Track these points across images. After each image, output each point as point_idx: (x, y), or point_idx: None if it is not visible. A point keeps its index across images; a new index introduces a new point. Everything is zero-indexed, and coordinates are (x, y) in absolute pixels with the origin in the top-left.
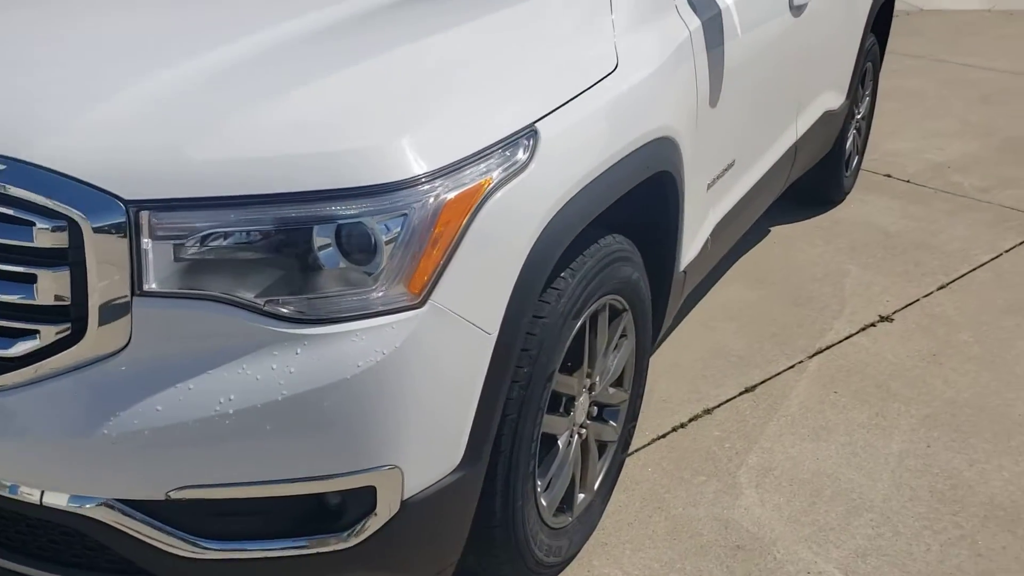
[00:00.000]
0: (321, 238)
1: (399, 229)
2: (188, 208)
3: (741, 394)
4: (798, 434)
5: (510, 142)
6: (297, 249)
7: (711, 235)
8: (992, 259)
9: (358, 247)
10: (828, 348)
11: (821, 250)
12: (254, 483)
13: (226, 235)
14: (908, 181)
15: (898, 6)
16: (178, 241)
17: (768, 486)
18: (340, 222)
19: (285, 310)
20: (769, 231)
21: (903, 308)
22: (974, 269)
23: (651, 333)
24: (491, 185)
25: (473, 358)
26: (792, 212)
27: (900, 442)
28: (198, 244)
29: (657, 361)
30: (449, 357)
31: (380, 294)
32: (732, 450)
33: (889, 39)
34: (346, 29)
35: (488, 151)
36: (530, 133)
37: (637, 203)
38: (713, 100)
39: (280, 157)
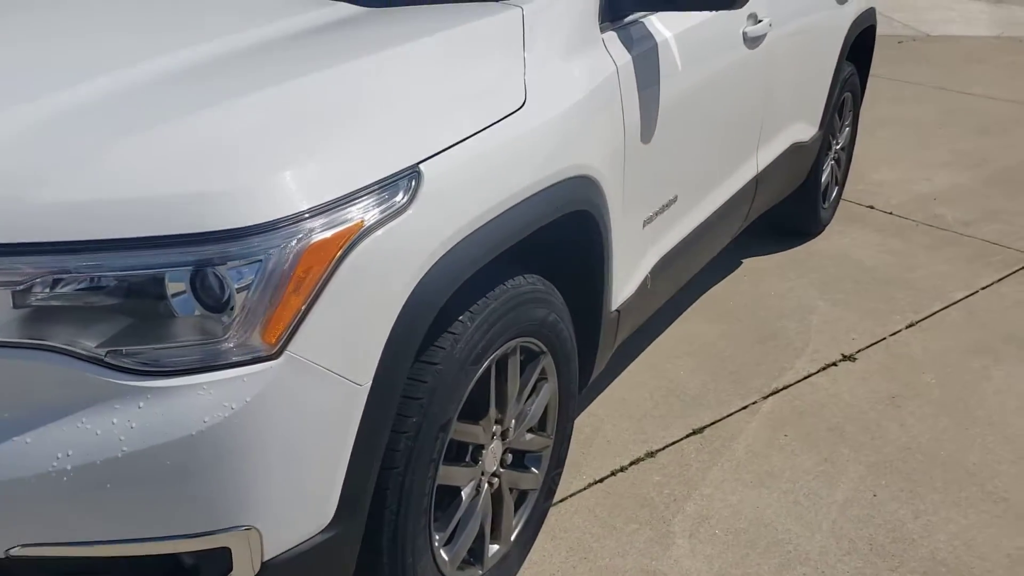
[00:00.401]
0: (174, 284)
1: (253, 276)
2: (29, 253)
3: (688, 436)
4: (741, 480)
5: (387, 184)
6: (145, 296)
7: (651, 273)
8: (966, 296)
9: (211, 295)
10: (785, 388)
11: (791, 284)
12: (99, 542)
13: (70, 282)
14: (891, 213)
15: (903, 32)
16: (18, 288)
17: (702, 535)
18: (191, 268)
19: (128, 361)
20: (741, 263)
21: (868, 347)
22: (947, 307)
23: (577, 376)
24: (362, 229)
25: (341, 411)
26: (766, 244)
27: (845, 490)
28: (40, 291)
29: (606, 399)
30: (312, 410)
31: (232, 344)
32: (670, 496)
33: (893, 66)
34: (221, 66)
35: (360, 194)
36: (412, 174)
37: (554, 242)
38: (646, 136)
39: (132, 199)
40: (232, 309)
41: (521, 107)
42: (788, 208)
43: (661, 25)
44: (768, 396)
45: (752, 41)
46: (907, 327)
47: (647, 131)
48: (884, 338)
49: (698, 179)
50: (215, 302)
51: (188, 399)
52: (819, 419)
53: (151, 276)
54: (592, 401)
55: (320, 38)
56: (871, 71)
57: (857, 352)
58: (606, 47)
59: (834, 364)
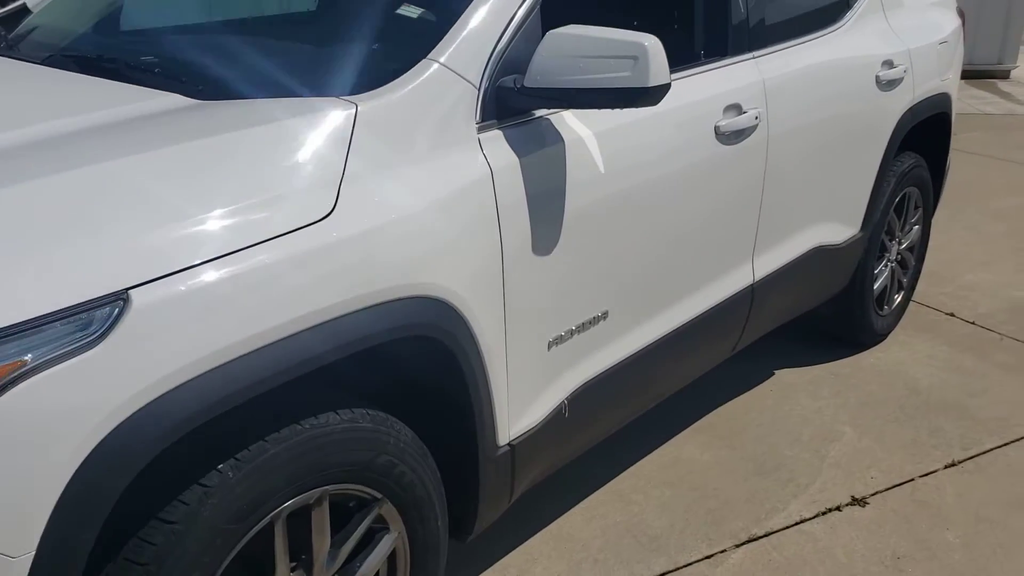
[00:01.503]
0: None
1: None
2: None
3: None
4: None
5: (74, 313)
6: None
7: (569, 401)
8: None
9: None
10: (766, 536)
11: (822, 404)
12: None
13: None
14: (973, 323)
15: (1020, 109)
16: None
17: None
18: None
19: None
20: (772, 374)
21: (887, 489)
22: (1004, 445)
23: (443, 525)
24: (22, 369)
25: None
26: (809, 353)
27: None
28: None
29: (550, 534)
30: None
31: None
32: None
33: (1013, 149)
34: None
35: (28, 326)
36: (115, 302)
37: (393, 370)
38: (545, 247)
39: None
40: None
41: (324, 218)
42: (830, 314)
43: (579, 123)
44: (742, 544)
45: (730, 136)
46: (945, 467)
47: (545, 241)
48: (912, 479)
49: (642, 292)
50: None
51: None
52: None
53: None
54: (533, 534)
55: (108, 134)
56: (986, 154)
57: (871, 495)
58: (482, 149)
59: (837, 508)
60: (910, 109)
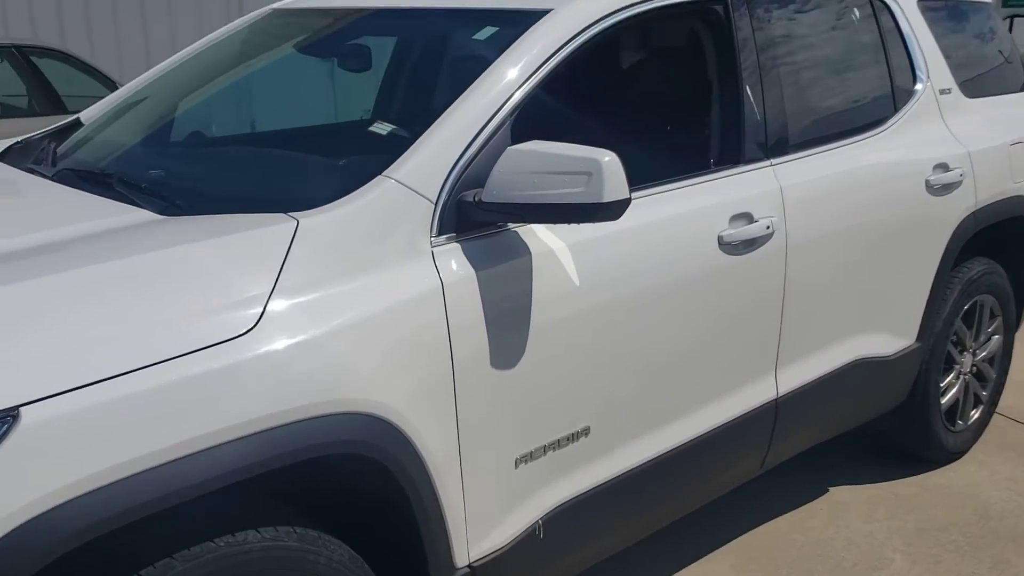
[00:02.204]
0: None
1: None
2: None
3: None
4: None
5: None
6: None
7: (543, 521)
8: None
9: None
10: None
11: (874, 527)
12: None
13: None
14: None
15: None
16: None
17: None
18: None
19: None
20: (826, 491)
21: None
22: None
23: None
24: None
25: None
26: (871, 469)
27: None
28: None
29: None
30: None
31: None
32: None
33: None
34: None
35: None
36: (2, 418)
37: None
38: (506, 361)
39: None
40: None
41: (242, 335)
42: (892, 429)
43: (551, 234)
44: None
45: (737, 247)
46: None
47: (507, 356)
48: None
49: (630, 409)
50: None
51: None
52: None
53: None
54: None
55: (56, 251)
56: None
57: None
58: (435, 262)
59: None
60: (972, 214)
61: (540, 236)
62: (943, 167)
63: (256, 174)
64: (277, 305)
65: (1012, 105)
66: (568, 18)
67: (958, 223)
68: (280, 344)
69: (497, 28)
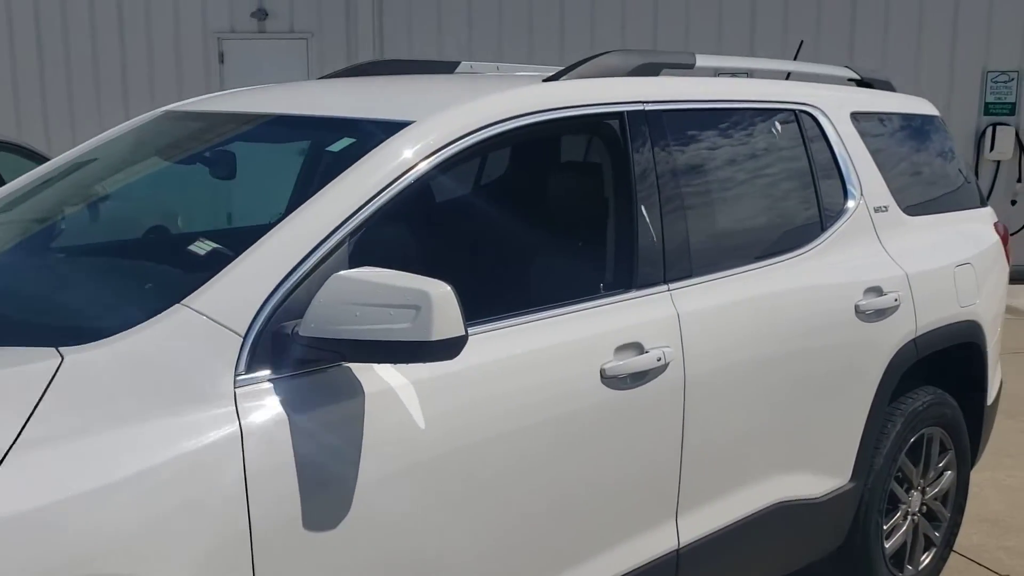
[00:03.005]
0: None
1: None
2: None
3: None
4: None
5: None
6: None
7: None
8: None
9: None
10: None
11: None
12: None
13: None
14: None
15: None
16: None
17: None
18: None
19: None
20: None
21: None
22: None
23: None
24: None
25: None
26: None
27: None
28: None
29: None
30: None
31: None
32: None
33: None
34: None
35: None
36: None
37: None
38: (322, 521)
39: None
40: None
41: None
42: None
43: (393, 370)
44: None
45: (624, 380)
46: None
47: (323, 516)
48: None
49: (488, 565)
50: None
51: None
52: None
53: None
54: None
55: None
56: None
57: None
58: (237, 406)
59: None
60: (913, 341)
61: (380, 373)
62: (876, 291)
63: (41, 296)
64: (19, 459)
65: (960, 223)
66: (431, 131)
67: (895, 351)
68: (11, 508)
69: (354, 140)
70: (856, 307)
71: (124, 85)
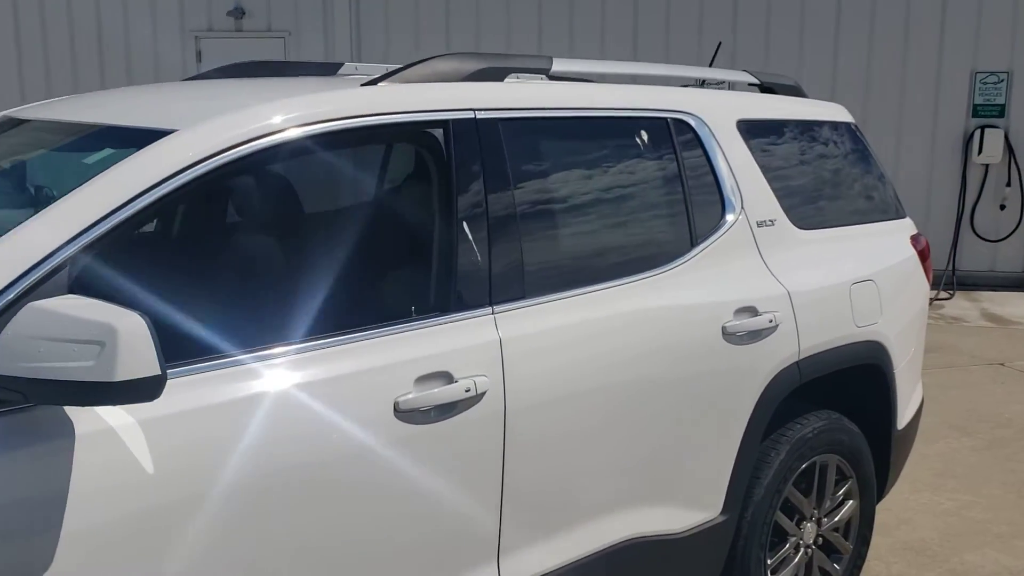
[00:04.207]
0: None
1: None
2: None
3: None
4: None
5: None
6: None
7: None
8: None
9: None
10: None
11: None
12: None
13: None
14: None
15: None
16: None
17: None
18: None
19: None
20: None
21: None
22: None
23: None
24: None
25: None
26: None
27: None
28: None
29: None
30: None
31: None
32: None
33: None
34: None
35: None
36: None
37: None
38: None
39: None
40: None
41: None
42: None
43: (120, 410)
44: None
45: (427, 414)
46: None
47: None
48: None
49: None
50: None
51: None
52: None
53: None
54: None
55: None
56: None
57: None
58: None
59: None
60: (795, 364)
61: (99, 410)
62: (750, 311)
63: None
64: None
65: (868, 236)
66: (193, 142)
67: (772, 376)
68: None
69: (112, 151)
70: (724, 328)
71: (103, 83)
